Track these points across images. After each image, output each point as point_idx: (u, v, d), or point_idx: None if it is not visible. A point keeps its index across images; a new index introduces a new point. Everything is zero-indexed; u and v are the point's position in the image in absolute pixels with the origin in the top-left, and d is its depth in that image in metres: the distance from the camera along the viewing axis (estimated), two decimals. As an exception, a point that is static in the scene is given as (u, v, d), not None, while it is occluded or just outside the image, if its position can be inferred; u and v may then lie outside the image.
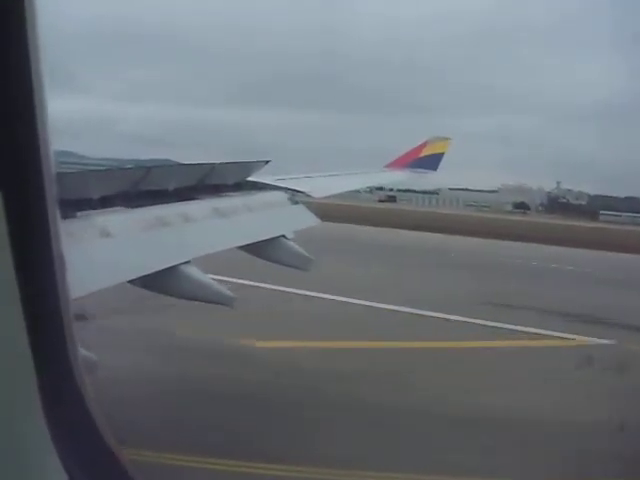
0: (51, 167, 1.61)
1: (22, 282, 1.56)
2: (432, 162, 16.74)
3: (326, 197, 11.56)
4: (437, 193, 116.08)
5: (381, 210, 66.37)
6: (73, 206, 5.61)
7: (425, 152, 16.45)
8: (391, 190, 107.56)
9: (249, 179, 9.43)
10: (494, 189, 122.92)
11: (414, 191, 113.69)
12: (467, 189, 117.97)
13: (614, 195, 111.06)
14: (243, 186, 9.32)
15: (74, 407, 1.83)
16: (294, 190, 10.17)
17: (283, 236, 8.79)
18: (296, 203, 9.91)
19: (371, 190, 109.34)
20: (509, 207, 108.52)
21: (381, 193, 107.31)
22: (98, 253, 5.46)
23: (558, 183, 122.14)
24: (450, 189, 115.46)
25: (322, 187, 11.35)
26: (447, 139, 17.26)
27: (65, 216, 5.06)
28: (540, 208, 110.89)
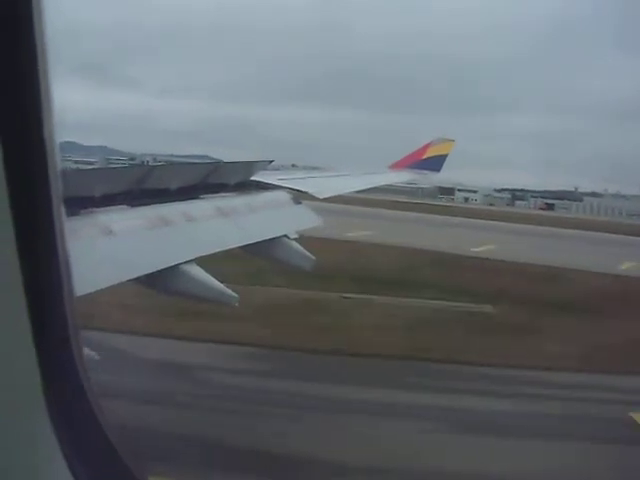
0: (57, 165, 1.59)
1: (27, 279, 1.55)
2: (435, 163, 16.72)
3: (328, 198, 11.53)
4: (582, 200, 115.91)
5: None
6: (76, 204, 5.59)
7: (429, 153, 16.42)
8: (547, 198, 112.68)
9: (253, 178, 9.42)
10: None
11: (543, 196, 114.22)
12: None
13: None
14: (247, 186, 9.30)
15: (79, 406, 1.82)
16: (297, 190, 10.15)
17: (285, 236, 8.77)
18: (299, 203, 9.90)
19: (524, 197, 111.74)
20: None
21: (539, 202, 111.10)
22: (100, 251, 5.44)
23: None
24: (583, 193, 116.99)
25: (326, 187, 11.33)
26: (451, 141, 17.23)
27: (68, 214, 5.02)
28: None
